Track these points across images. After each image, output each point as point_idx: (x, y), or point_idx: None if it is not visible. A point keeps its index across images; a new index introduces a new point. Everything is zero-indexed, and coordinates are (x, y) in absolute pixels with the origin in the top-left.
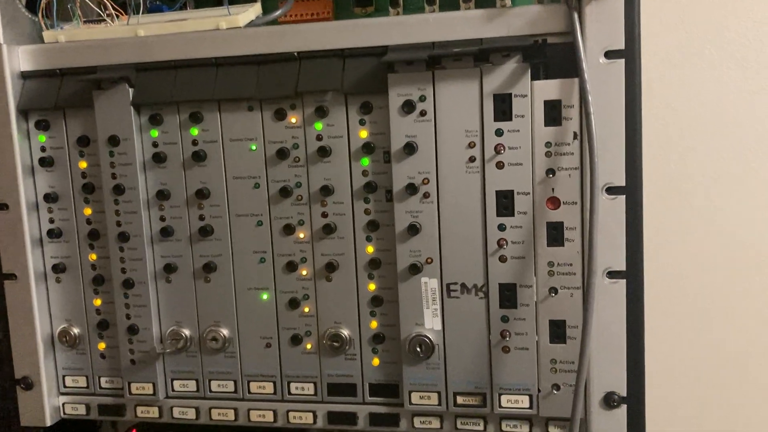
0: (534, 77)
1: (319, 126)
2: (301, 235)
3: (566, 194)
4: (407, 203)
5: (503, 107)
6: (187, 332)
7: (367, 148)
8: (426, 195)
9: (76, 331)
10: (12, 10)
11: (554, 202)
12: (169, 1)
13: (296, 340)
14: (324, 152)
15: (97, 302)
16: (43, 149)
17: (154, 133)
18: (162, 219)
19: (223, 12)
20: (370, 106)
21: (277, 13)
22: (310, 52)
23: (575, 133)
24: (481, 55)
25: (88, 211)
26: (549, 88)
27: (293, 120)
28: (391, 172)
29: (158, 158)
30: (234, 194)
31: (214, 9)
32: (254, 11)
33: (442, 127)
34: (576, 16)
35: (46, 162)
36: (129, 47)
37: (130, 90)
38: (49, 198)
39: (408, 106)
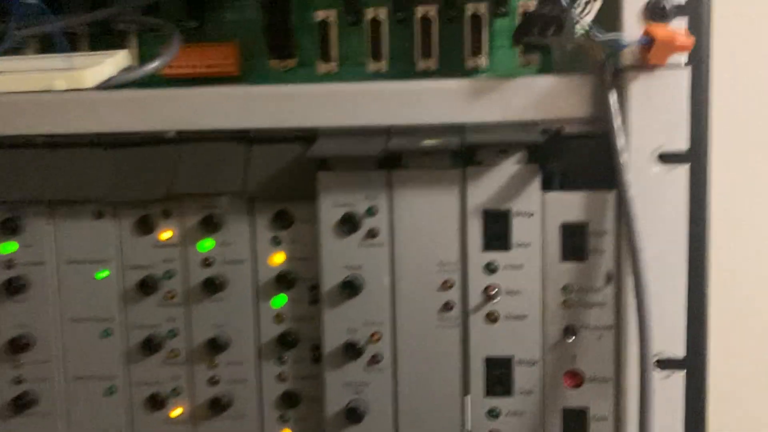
0: (546, 186)
1: (207, 245)
2: (177, 412)
3: (593, 366)
4: (345, 371)
5: (498, 230)
6: None
7: (284, 280)
8: (375, 359)
9: None
10: None
11: (575, 378)
12: None
13: None
14: (213, 285)
15: None
16: None
17: None
18: None
19: (62, 63)
20: (289, 217)
21: (155, 64)
22: (198, 132)
23: (609, 275)
24: (464, 150)
25: None
26: (569, 204)
27: (166, 235)
28: (320, 319)
29: None
30: (72, 345)
31: (53, 59)
32: (115, 63)
33: (403, 257)
34: (613, 96)
35: None
36: None
37: None
38: None
39: (349, 223)
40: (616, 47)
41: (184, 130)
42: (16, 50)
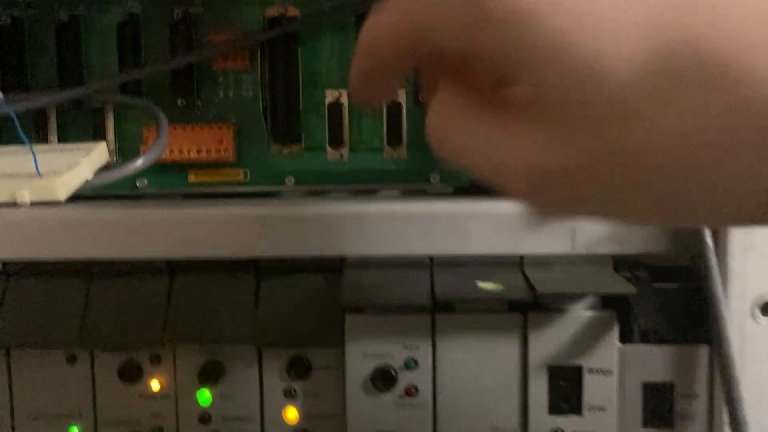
0: (626, 338)
1: (205, 397)
2: None
3: None
4: None
5: (567, 390)
6: None
7: None
8: None
9: None
10: None
11: None
12: None
13: None
14: None
15: None
16: None
17: None
18: None
19: (26, 165)
20: (306, 365)
21: (138, 162)
22: (195, 261)
23: None
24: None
25: None
26: (653, 360)
27: (154, 384)
28: None
29: None
30: None
31: (20, 155)
32: (91, 163)
33: (448, 421)
34: (708, 235)
35: None
36: None
37: None
38: None
39: (383, 378)
40: None
41: (178, 259)
42: None
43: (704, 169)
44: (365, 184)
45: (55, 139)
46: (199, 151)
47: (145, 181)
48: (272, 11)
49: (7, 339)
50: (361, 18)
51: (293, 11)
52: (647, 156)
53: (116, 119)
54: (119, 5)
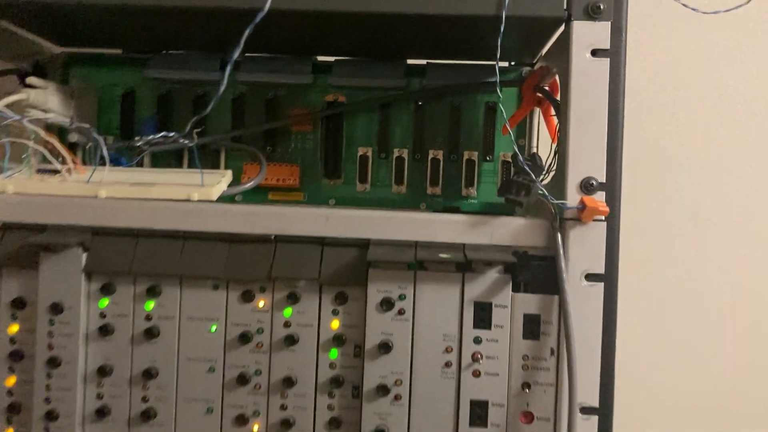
0: (515, 289)
1: (288, 312)
2: (255, 428)
3: (540, 410)
4: (377, 404)
5: (483, 315)
6: None
7: (338, 340)
8: (397, 397)
9: None
10: None
11: (528, 417)
12: (128, 151)
13: None
14: (291, 340)
15: None
16: None
17: (104, 302)
18: (99, 397)
19: (193, 179)
20: (345, 296)
21: (250, 183)
22: (289, 237)
23: (552, 350)
24: (465, 262)
25: (10, 382)
26: (529, 302)
27: (261, 304)
28: (359, 367)
29: (105, 330)
30: (185, 377)
31: (182, 173)
32: (226, 181)
33: (420, 329)
34: (559, 236)
35: None
36: (87, 209)
37: (84, 255)
38: None
39: (387, 304)
40: (563, 208)
41: (279, 235)
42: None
43: None
44: (379, 206)
45: (187, 165)
46: (277, 180)
47: (241, 197)
48: (329, 97)
49: (183, 272)
50: (383, 106)
51: (342, 98)
52: None
53: (226, 157)
54: (233, 87)
